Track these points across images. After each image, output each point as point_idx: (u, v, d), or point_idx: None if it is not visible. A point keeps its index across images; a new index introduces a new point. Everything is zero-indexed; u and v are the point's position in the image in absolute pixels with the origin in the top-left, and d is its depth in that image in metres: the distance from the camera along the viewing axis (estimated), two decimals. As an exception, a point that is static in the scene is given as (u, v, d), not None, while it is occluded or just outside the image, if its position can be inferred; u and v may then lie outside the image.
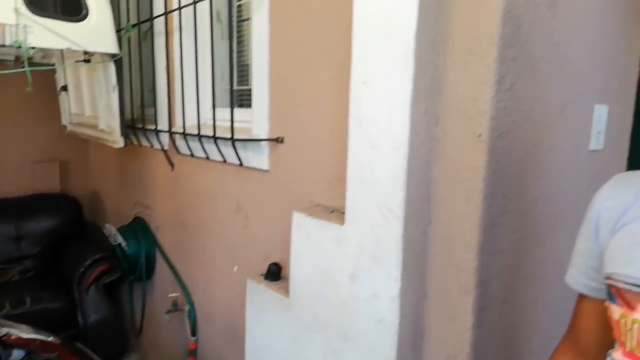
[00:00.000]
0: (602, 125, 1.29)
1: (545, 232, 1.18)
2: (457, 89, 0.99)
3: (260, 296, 1.50)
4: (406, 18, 0.96)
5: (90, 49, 1.93)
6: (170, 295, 2.24)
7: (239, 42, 1.93)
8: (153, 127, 2.16)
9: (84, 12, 1.88)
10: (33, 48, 1.75)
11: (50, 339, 1.54)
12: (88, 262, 2.63)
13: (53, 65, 2.60)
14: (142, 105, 2.27)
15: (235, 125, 1.63)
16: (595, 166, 1.30)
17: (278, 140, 1.53)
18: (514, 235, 1.09)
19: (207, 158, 1.86)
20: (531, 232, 1.14)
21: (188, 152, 1.98)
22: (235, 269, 1.83)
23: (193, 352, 2.12)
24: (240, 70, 1.94)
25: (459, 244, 1.03)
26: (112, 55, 2.02)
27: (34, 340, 1.50)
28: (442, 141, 1.04)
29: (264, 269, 1.54)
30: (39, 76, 1.98)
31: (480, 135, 0.96)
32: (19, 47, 1.68)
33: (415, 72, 0.97)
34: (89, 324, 2.61)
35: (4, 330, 1.43)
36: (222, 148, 1.73)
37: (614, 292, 0.64)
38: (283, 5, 1.47)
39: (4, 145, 3.22)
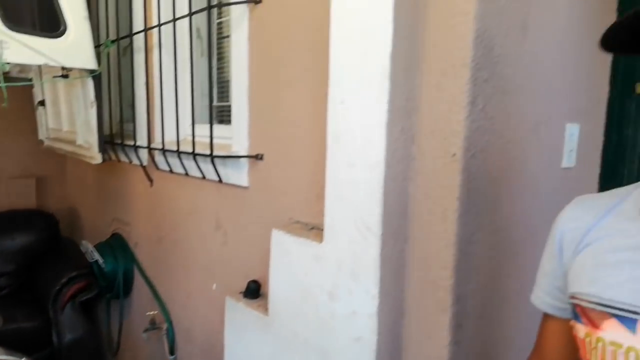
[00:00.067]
0: (573, 143, 1.32)
1: (520, 248, 1.20)
2: (432, 109, 1.01)
3: (239, 314, 1.49)
4: (381, 40, 0.98)
5: (68, 64, 1.91)
6: (148, 313, 2.21)
7: (220, 59, 1.94)
8: (132, 142, 2.14)
9: (62, 28, 1.87)
10: (9, 63, 1.73)
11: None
12: (64, 279, 2.58)
13: (30, 80, 2.57)
14: (121, 121, 2.26)
15: (215, 141, 1.63)
16: (568, 183, 1.33)
17: (257, 157, 1.54)
18: (490, 252, 1.11)
19: (187, 174, 1.85)
20: (506, 248, 1.16)
21: (167, 168, 1.97)
22: (214, 286, 1.81)
23: (171, 372, 2.09)
24: (220, 86, 1.94)
25: (436, 261, 1.04)
26: (91, 71, 2.01)
27: (5, 362, 1.46)
28: (418, 160, 1.06)
29: (244, 286, 1.53)
30: (15, 91, 1.96)
31: (454, 154, 0.97)
32: (-5, 62, 1.66)
33: (391, 93, 0.99)
34: (64, 343, 2.55)
35: (-26, 353, 1.40)
36: (202, 164, 1.72)
37: (578, 311, 0.65)
38: (262, 23, 1.48)
39: (-21, 160, 3.16)
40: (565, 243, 0.70)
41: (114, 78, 2.28)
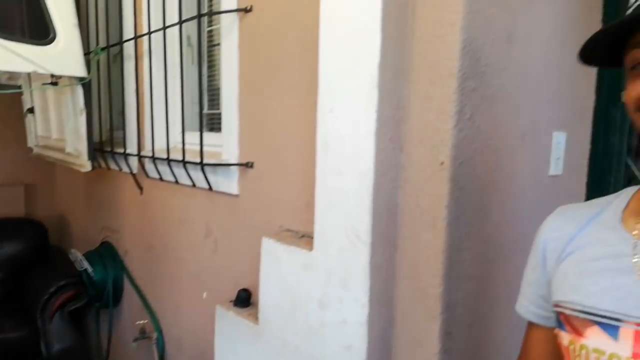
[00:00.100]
0: (560, 151, 1.34)
1: (509, 255, 1.21)
2: (420, 118, 1.02)
3: (229, 323, 1.49)
4: (370, 50, 0.99)
5: (57, 72, 1.91)
6: (138, 322, 2.19)
7: (210, 67, 1.94)
8: (122, 150, 2.13)
9: (51, 36, 1.87)
10: (-3, 71, 1.72)
11: (10, 371, 1.48)
12: (52, 288, 2.56)
13: (19, 87, 2.56)
14: (111, 129, 2.25)
15: (205, 149, 1.63)
16: (556, 191, 1.34)
17: (248, 165, 1.54)
18: (478, 259, 1.11)
19: (177, 182, 1.85)
20: (495, 256, 1.17)
21: (157, 176, 1.96)
22: (204, 295, 1.80)
23: (161, 381, 2.07)
24: (211, 94, 1.95)
25: (425, 269, 1.05)
26: (80, 79, 2.00)
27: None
28: (406, 168, 1.07)
29: (234, 294, 1.53)
30: (4, 98, 1.95)
31: (442, 163, 0.98)
32: (-17, 70, 1.65)
33: (379, 102, 1.00)
34: (52, 353, 2.52)
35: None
36: (192, 172, 1.72)
37: (562, 319, 0.66)
38: (252, 32, 1.49)
39: (-33, 168, 3.13)
40: (548, 252, 0.71)
41: (104, 85, 2.28)
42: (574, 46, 1.25)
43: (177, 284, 1.97)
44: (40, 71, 1.83)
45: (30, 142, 2.95)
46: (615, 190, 0.71)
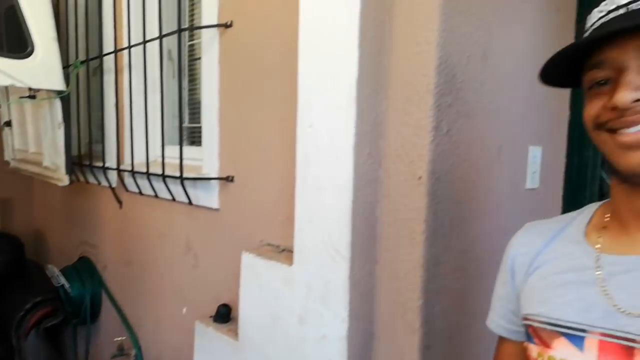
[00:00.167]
0: (536, 165, 1.36)
1: (487, 268, 1.22)
2: (398, 133, 1.03)
3: (209, 339, 1.47)
4: (347, 66, 1.01)
5: (35, 85, 1.88)
6: (116, 339, 2.14)
7: (192, 80, 1.94)
8: (100, 164, 2.10)
9: (29, 49, 1.85)
10: (-27, 84, 1.70)
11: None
12: (28, 305, 2.49)
13: (-4, 100, 2.52)
14: (90, 142, 2.22)
15: (186, 162, 1.62)
16: (532, 204, 1.37)
17: (228, 179, 1.53)
18: (457, 273, 1.12)
19: (156, 196, 1.83)
20: (473, 269, 1.18)
21: (136, 190, 1.94)
22: (184, 310, 1.78)
23: (139, 400, 2.03)
24: (192, 107, 1.94)
25: (404, 283, 1.05)
26: (59, 92, 1.98)
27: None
28: (385, 183, 1.07)
29: (214, 310, 1.51)
30: (-21, 112, 1.91)
31: (420, 177, 0.99)
32: (-42, 83, 1.63)
33: (357, 117, 1.01)
34: (27, 372, 2.45)
35: None
36: (171, 186, 1.71)
37: (531, 332, 0.67)
38: (233, 47, 1.49)
39: (-60, 182, 3.05)
40: (516, 267, 0.73)
41: (83, 99, 2.26)
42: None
43: (156, 299, 1.94)
44: (18, 84, 1.80)
45: (7, 155, 2.90)
46: (590, 202, 0.74)
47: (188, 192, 1.64)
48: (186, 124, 1.91)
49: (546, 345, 0.64)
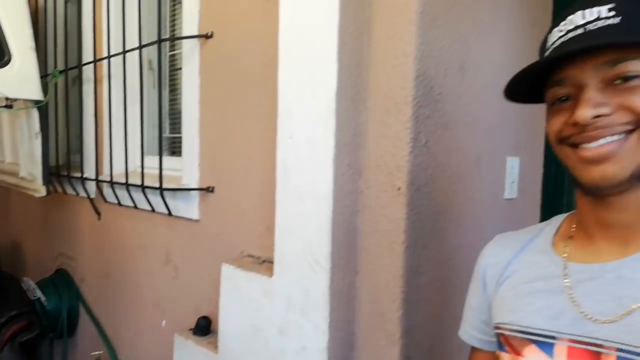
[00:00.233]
0: (514, 175, 1.38)
1: (467, 278, 1.22)
2: (377, 144, 1.04)
3: (188, 352, 1.45)
4: (327, 78, 1.01)
5: (12, 95, 1.86)
6: (93, 353, 2.10)
7: (173, 90, 1.93)
8: (79, 174, 2.07)
9: (6, 58, 1.82)
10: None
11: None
12: (3, 319, 2.43)
13: (-29, 109, 2.46)
14: (68, 152, 2.19)
15: (166, 173, 1.61)
16: (511, 214, 1.38)
17: (208, 190, 1.52)
18: (437, 283, 1.13)
19: (135, 207, 1.81)
20: (453, 279, 1.18)
21: (115, 201, 1.91)
22: (163, 323, 1.75)
23: (117, 415, 1.98)
24: (173, 118, 1.93)
25: (384, 293, 1.05)
26: (36, 102, 1.95)
27: None
28: (365, 194, 1.08)
29: (194, 322, 1.49)
30: (-47, 122, 1.87)
31: (399, 188, 1.00)
32: None
33: (337, 128, 1.01)
34: (1, 388, 2.38)
35: None
36: (151, 197, 1.69)
37: (502, 341, 0.69)
38: (213, 58, 1.49)
39: None
40: (488, 277, 0.75)
41: (61, 108, 2.23)
42: (524, 75, 1.31)
43: (135, 312, 1.91)
44: (-6, 94, 1.78)
45: (-17, 165, 2.84)
46: (568, 211, 0.75)
47: (168, 203, 1.62)
48: (167, 134, 1.90)
49: (517, 353, 0.65)
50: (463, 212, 1.19)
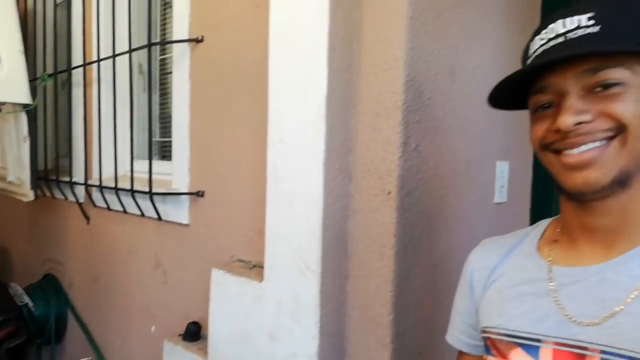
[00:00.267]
0: (504, 179, 1.39)
1: (457, 282, 1.23)
2: (368, 149, 1.04)
3: (177, 358, 1.43)
4: (317, 83, 1.01)
5: (0, 99, 1.83)
6: (82, 359, 2.08)
7: (163, 94, 1.92)
8: (67, 178, 2.06)
9: (-6, 61, 1.80)
10: None
11: None
12: (-11, 325, 2.40)
13: (-42, 113, 2.44)
14: (57, 156, 2.17)
15: (156, 177, 1.60)
16: (501, 218, 1.39)
17: (198, 194, 1.51)
18: (427, 287, 1.13)
19: (125, 212, 1.79)
20: (444, 283, 1.18)
21: (104, 206, 1.90)
22: (153, 328, 1.73)
23: (106, 422, 1.96)
24: (163, 122, 1.92)
25: (375, 298, 1.05)
26: (25, 105, 1.94)
27: None
28: (356, 198, 1.08)
29: (184, 328, 1.48)
30: (-61, 126, 1.85)
31: (389, 192, 1.00)
32: None
33: (327, 133, 1.01)
34: (-13, 396, 2.35)
35: None
36: (140, 201, 1.68)
37: (489, 344, 0.69)
38: (204, 62, 1.49)
39: None
40: (475, 282, 0.75)
41: (50, 112, 2.21)
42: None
43: (124, 317, 1.89)
44: (-19, 97, 1.76)
45: (-30, 170, 2.80)
46: (557, 215, 0.76)
47: (157, 208, 1.61)
48: (157, 138, 1.89)
49: (503, 356, 0.66)
50: (453, 216, 1.19)
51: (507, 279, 0.70)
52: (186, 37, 1.51)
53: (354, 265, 1.10)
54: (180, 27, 1.54)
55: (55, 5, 2.18)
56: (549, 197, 1.51)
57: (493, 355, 0.68)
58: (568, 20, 0.59)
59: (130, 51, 1.66)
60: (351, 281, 1.11)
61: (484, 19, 1.21)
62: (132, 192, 1.65)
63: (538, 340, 0.62)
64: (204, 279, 1.40)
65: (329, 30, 1.00)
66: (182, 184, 1.55)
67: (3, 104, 1.97)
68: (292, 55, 1.08)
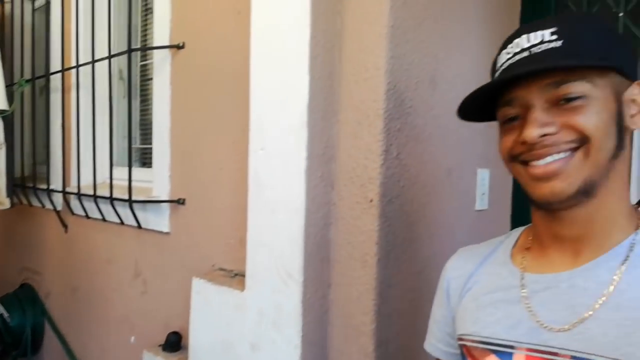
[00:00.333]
0: (485, 187, 1.40)
1: (439, 290, 1.23)
2: (349, 157, 1.04)
3: (157, 369, 1.41)
4: (298, 90, 1.01)
5: (-26, 104, 1.80)
6: (59, 371, 2.03)
7: (144, 101, 1.90)
8: (45, 186, 2.02)
9: (-32, 66, 1.76)
10: None
11: None
12: (-38, 337, 2.33)
13: None
14: (34, 163, 2.13)
15: (136, 184, 1.58)
16: (482, 225, 1.40)
17: (179, 202, 1.50)
18: (410, 295, 1.13)
19: (104, 220, 1.76)
20: (426, 290, 1.18)
21: (83, 213, 1.86)
22: (132, 339, 1.70)
23: None
24: (144, 128, 1.90)
25: (357, 306, 1.05)
26: (1, 111, 1.90)
27: None
28: (338, 206, 1.07)
29: (164, 338, 1.46)
30: None
31: (371, 200, 1.00)
32: None
33: (309, 140, 1.01)
34: (-41, 410, 2.28)
35: None
36: (120, 209, 1.65)
37: (465, 352, 0.70)
38: (185, 68, 1.48)
39: None
40: (451, 290, 0.76)
41: (28, 118, 2.17)
42: (493, 89, 1.33)
43: (103, 328, 1.86)
44: (-45, 103, 1.71)
45: (-57, 177, 2.73)
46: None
47: (137, 216, 1.59)
48: (137, 144, 1.87)
49: None
50: (435, 223, 1.20)
51: (482, 286, 0.71)
52: (167, 43, 1.50)
53: (336, 273, 1.09)
54: (161, 33, 1.53)
55: (33, 10, 2.15)
56: (529, 204, 1.52)
57: None
58: (532, 35, 0.60)
59: (110, 57, 1.64)
60: (333, 289, 1.10)
61: (464, 28, 1.22)
62: (112, 199, 1.62)
63: (511, 347, 0.63)
64: (185, 288, 1.38)
65: (310, 38, 1.00)
66: (162, 191, 1.53)
67: (-22, 109, 1.93)
68: (273, 62, 1.08)
